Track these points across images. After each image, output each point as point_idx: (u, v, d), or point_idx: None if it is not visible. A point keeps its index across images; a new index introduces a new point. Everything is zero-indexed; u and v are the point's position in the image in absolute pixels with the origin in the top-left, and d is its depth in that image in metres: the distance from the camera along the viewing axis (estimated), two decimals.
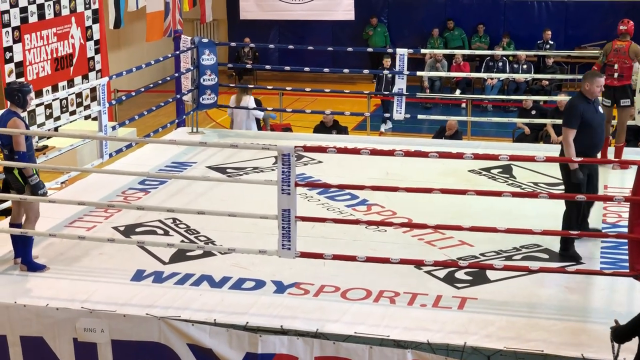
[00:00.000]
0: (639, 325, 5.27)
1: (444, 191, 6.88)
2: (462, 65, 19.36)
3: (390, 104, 12.36)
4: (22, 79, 14.36)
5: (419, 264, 7.06)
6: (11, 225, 7.49)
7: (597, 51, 10.54)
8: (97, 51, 17.16)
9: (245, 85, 12.59)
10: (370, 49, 15.40)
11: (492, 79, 19.10)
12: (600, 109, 7.79)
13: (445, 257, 7.46)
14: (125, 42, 20.15)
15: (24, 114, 7.51)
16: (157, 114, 12.02)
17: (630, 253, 6.62)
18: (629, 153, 10.40)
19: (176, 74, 11.73)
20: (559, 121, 12.55)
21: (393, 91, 11.52)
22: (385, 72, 14.48)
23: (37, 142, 12.15)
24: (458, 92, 19.39)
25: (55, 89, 15.62)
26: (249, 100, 12.82)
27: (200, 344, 6.49)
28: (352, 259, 6.92)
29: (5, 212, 9.14)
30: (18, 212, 7.50)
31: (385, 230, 8.02)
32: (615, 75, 9.90)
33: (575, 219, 7.58)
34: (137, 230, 8.30)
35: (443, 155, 6.88)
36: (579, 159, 7.17)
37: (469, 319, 6.46)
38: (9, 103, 7.51)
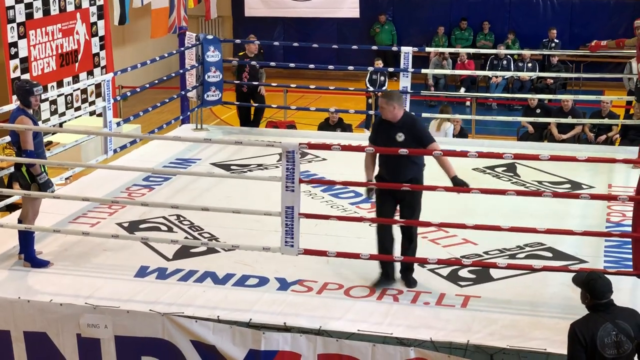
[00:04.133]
0: None
1: (448, 189, 6.88)
2: (466, 63, 19.34)
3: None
4: (27, 75, 14.37)
5: (422, 261, 7.06)
6: (19, 221, 7.48)
7: (609, 48, 10.27)
8: (102, 47, 17.17)
9: (449, 115, 12.62)
10: (374, 47, 15.36)
11: (496, 77, 19.08)
12: (399, 138, 6.76)
13: (448, 255, 7.45)
14: (130, 38, 20.16)
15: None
16: (161, 110, 12.05)
17: (634, 252, 6.62)
18: (634, 152, 10.37)
19: (181, 71, 11.73)
20: (563, 120, 12.64)
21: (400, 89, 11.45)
22: (391, 69, 14.40)
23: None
24: (463, 90, 19.34)
25: (60, 84, 15.61)
26: (447, 127, 12.90)
27: (203, 341, 6.49)
28: (355, 256, 6.92)
29: (10, 208, 9.17)
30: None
31: None
32: None
33: (380, 241, 6.96)
34: (141, 226, 8.31)
35: (447, 153, 6.88)
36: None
37: (472, 317, 6.46)
38: (14, 98, 7.53)
